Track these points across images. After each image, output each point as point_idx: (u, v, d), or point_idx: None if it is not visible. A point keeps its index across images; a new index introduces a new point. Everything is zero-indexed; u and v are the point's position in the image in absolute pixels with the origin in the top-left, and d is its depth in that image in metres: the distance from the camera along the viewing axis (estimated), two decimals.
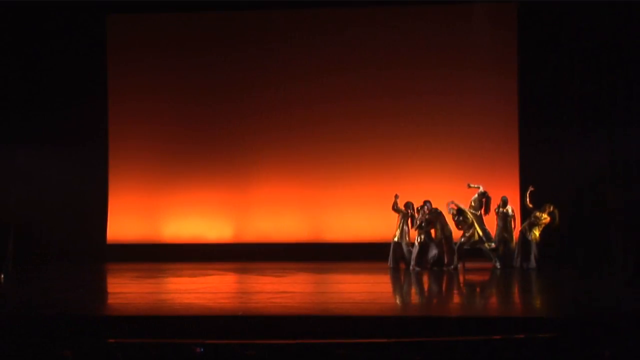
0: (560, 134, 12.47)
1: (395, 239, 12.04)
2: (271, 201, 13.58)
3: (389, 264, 12.06)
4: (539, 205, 11.78)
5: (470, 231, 11.77)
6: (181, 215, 13.74)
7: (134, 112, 13.78)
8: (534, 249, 11.76)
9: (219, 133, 13.75)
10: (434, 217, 11.76)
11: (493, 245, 11.82)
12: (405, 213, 12.01)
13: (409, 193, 12.20)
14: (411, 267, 11.83)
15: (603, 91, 11.34)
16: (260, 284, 10.84)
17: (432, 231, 11.80)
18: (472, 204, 11.95)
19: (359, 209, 13.28)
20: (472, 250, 11.84)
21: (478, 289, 10.69)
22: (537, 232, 11.75)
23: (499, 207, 11.89)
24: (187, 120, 13.76)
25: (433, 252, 11.78)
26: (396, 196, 12.02)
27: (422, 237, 11.76)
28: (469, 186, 11.97)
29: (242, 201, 13.73)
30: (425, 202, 11.84)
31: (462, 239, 11.81)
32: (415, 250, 11.81)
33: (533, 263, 11.71)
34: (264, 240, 13.49)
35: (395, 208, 12.00)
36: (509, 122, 13.08)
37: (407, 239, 12.03)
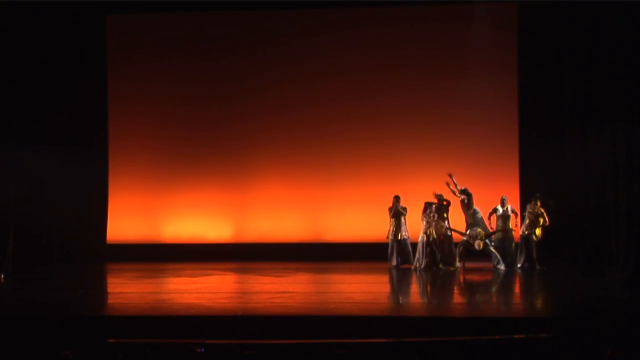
0: (561, 133, 12.45)
1: (392, 237, 12.04)
2: (271, 201, 13.57)
3: (392, 263, 12.03)
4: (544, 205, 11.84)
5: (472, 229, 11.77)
6: (181, 215, 13.73)
7: (134, 112, 13.76)
8: (534, 249, 11.76)
9: (219, 133, 13.74)
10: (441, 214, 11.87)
11: (492, 245, 11.82)
12: (403, 214, 12.06)
13: (409, 193, 12.23)
14: (413, 267, 11.85)
15: (603, 91, 11.31)
16: (260, 284, 10.85)
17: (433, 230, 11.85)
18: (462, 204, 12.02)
19: (359, 209, 13.26)
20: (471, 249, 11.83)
21: (478, 289, 10.69)
22: (538, 231, 11.75)
23: (498, 207, 11.89)
24: (187, 121, 13.74)
25: (438, 252, 11.81)
26: (397, 198, 12.02)
27: (425, 237, 11.79)
28: (450, 176, 11.98)
29: (242, 201, 13.72)
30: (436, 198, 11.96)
31: (464, 239, 11.79)
32: (418, 251, 11.83)
33: (534, 263, 11.71)
34: (264, 240, 13.48)
35: (398, 210, 11.99)
36: (509, 121, 13.06)
37: (405, 235, 12.03)
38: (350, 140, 13.40)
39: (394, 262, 12.04)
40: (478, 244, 11.60)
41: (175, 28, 13.72)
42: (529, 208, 11.87)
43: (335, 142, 13.45)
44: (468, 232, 11.74)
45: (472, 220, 11.86)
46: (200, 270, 12.03)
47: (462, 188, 11.95)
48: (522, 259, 11.81)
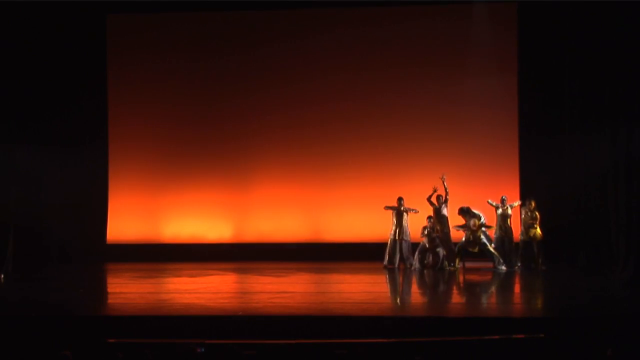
0: (560, 133, 12.45)
1: (392, 237, 12.05)
2: (271, 201, 13.56)
3: (388, 262, 12.04)
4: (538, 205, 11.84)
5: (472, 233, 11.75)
6: (181, 215, 13.72)
7: (134, 113, 13.75)
8: (536, 249, 11.76)
9: (219, 133, 13.73)
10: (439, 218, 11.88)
11: (492, 245, 11.82)
12: (400, 210, 12.07)
13: (409, 193, 12.23)
14: (413, 267, 11.85)
15: (603, 91, 11.31)
16: (260, 284, 10.85)
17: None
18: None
19: (359, 209, 13.25)
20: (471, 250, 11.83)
21: (478, 289, 10.69)
22: (537, 230, 11.74)
23: (498, 204, 11.90)
24: (186, 121, 13.73)
25: (442, 252, 11.82)
26: (400, 199, 12.03)
27: (427, 237, 11.82)
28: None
29: (242, 201, 13.71)
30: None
31: (463, 239, 11.80)
32: (418, 250, 11.85)
33: (536, 263, 11.71)
34: (264, 240, 13.48)
35: (401, 210, 12.03)
36: (509, 121, 13.06)
37: (406, 236, 12.04)
38: (350, 140, 13.40)
39: (390, 262, 12.03)
40: (474, 223, 11.60)
41: (175, 28, 13.71)
42: (523, 211, 11.87)
43: (335, 142, 13.44)
44: (466, 221, 11.77)
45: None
46: (200, 270, 12.04)
47: (467, 210, 11.86)
48: (521, 259, 11.80)
